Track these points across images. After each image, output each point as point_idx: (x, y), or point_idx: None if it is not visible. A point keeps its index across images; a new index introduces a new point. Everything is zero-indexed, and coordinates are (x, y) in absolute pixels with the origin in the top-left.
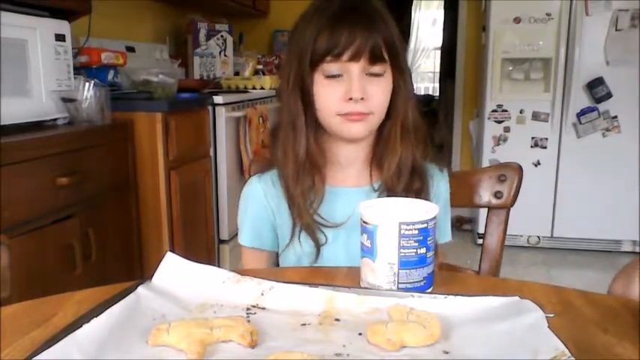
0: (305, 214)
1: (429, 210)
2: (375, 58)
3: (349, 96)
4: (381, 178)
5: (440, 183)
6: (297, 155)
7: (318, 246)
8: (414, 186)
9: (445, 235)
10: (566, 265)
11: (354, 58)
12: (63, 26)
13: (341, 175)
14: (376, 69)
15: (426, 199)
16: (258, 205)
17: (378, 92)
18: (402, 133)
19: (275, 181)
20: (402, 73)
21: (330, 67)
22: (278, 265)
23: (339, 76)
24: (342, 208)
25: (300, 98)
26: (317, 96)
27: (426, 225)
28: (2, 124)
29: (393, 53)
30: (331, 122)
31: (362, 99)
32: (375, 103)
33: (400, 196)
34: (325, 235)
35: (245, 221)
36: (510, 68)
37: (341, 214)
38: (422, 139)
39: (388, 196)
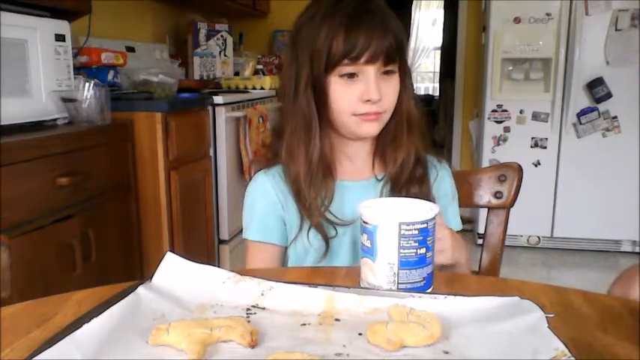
0: (316, 214)
1: (429, 210)
2: (389, 59)
3: (367, 97)
4: (384, 170)
5: (440, 173)
6: (312, 157)
7: (327, 240)
8: (417, 173)
9: (454, 224)
10: (566, 265)
11: (371, 60)
12: (63, 26)
13: (345, 168)
14: (389, 70)
15: (428, 187)
16: (266, 200)
17: (390, 91)
18: (408, 128)
19: (281, 176)
20: (406, 69)
21: (347, 69)
22: (286, 259)
23: (354, 76)
24: (349, 202)
25: (314, 99)
26: (332, 97)
27: (425, 225)
28: (2, 124)
29: (401, 53)
30: (348, 122)
31: (379, 99)
32: (388, 102)
33: (402, 190)
34: (335, 229)
35: (253, 216)
36: (510, 68)
37: (348, 208)
38: (423, 129)
39: (392, 186)
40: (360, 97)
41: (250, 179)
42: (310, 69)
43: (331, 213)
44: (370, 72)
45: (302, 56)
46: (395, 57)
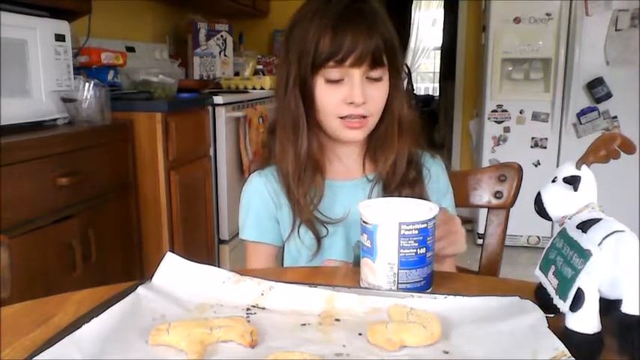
0: (305, 211)
1: (429, 210)
2: (375, 63)
3: (350, 100)
4: (375, 171)
5: (434, 169)
6: (299, 155)
7: (318, 239)
8: (410, 176)
9: None
10: None
11: (357, 63)
12: (63, 26)
13: (336, 168)
14: (376, 73)
15: (421, 189)
16: (261, 200)
17: (377, 95)
18: (399, 130)
19: (275, 176)
20: (398, 73)
21: (332, 71)
22: (283, 259)
23: (340, 80)
24: (339, 201)
25: (302, 99)
26: (318, 98)
27: (425, 225)
28: (2, 124)
29: (391, 55)
30: (331, 125)
31: (363, 103)
32: (374, 106)
33: (394, 193)
34: (326, 228)
35: (249, 216)
36: (510, 68)
37: (338, 207)
38: (416, 132)
39: (384, 187)
40: (344, 99)
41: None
42: (298, 68)
43: (320, 212)
44: (355, 75)
45: (292, 55)
46: (382, 60)
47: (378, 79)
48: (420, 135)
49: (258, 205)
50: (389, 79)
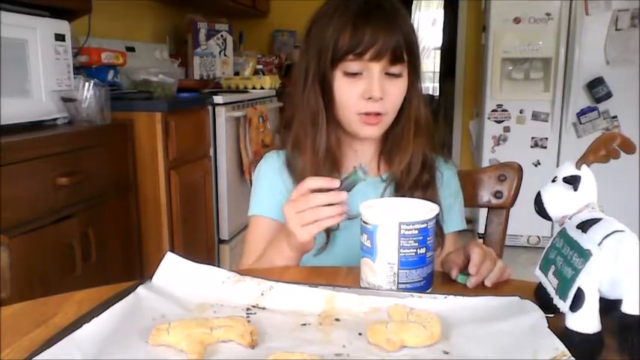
0: None
1: (429, 210)
2: (395, 59)
3: (369, 95)
4: (389, 171)
5: (447, 174)
6: (318, 151)
7: (328, 233)
8: (423, 179)
9: (457, 223)
10: None
11: (376, 58)
12: (63, 26)
13: (352, 164)
14: (395, 69)
15: (434, 193)
16: (275, 177)
17: (395, 92)
18: (415, 130)
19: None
20: (417, 72)
21: (351, 65)
22: None
23: (359, 74)
24: (351, 198)
25: (321, 94)
26: (337, 93)
27: (425, 225)
28: (2, 124)
29: (411, 53)
30: (350, 120)
31: (380, 98)
32: (391, 103)
33: (407, 194)
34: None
35: (261, 191)
36: (510, 68)
37: (350, 204)
38: (431, 133)
39: (396, 188)
40: (362, 94)
41: (261, 159)
42: (318, 63)
43: None
44: (374, 69)
45: (312, 50)
46: (402, 57)
47: (397, 76)
48: (434, 137)
49: (271, 179)
50: (407, 77)
